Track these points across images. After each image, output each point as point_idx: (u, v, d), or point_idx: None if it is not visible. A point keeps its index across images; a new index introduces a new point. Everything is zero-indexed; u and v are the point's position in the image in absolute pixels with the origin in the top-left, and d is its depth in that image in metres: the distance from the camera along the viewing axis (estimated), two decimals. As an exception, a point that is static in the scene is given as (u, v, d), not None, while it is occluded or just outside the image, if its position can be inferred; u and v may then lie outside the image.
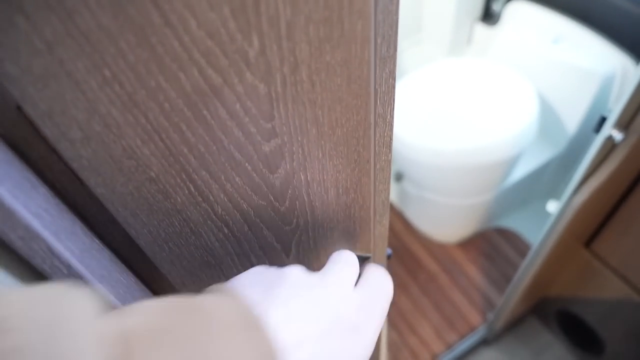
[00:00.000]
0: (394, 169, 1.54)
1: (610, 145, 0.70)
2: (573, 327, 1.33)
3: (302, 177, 0.32)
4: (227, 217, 0.32)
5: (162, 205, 0.28)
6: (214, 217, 0.31)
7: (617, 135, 0.66)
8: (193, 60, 0.21)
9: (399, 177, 1.52)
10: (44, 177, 0.24)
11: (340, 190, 0.36)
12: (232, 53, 0.21)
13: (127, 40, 0.19)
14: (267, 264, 0.39)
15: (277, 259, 0.40)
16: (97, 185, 0.24)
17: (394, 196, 1.72)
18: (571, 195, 0.81)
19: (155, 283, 0.36)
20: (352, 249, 0.45)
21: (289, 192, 0.33)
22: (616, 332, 1.15)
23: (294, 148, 0.29)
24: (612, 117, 0.66)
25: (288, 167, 0.30)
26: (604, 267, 1.05)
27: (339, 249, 0.38)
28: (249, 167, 0.29)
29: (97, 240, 0.29)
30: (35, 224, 0.20)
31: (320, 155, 0.31)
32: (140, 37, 0.19)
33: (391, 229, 1.72)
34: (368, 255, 0.48)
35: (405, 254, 1.67)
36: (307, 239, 0.39)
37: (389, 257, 0.58)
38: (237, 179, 0.29)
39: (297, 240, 0.39)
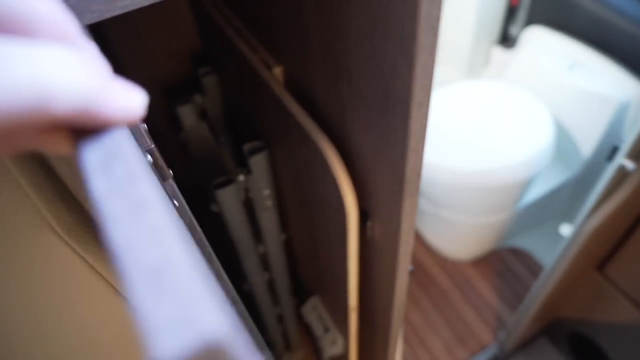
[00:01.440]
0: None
1: (622, 174, 0.73)
2: (584, 349, 1.35)
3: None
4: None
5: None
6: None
7: (629, 165, 0.70)
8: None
9: (415, 194, 1.55)
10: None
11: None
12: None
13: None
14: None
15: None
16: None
17: (408, 212, 1.76)
18: (584, 220, 0.84)
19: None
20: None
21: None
22: (626, 355, 1.17)
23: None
24: (625, 148, 0.69)
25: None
26: (615, 291, 1.07)
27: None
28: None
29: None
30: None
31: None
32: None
33: (405, 244, 1.76)
34: None
35: (418, 270, 1.70)
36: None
37: (411, 272, 0.61)
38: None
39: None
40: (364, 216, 0.54)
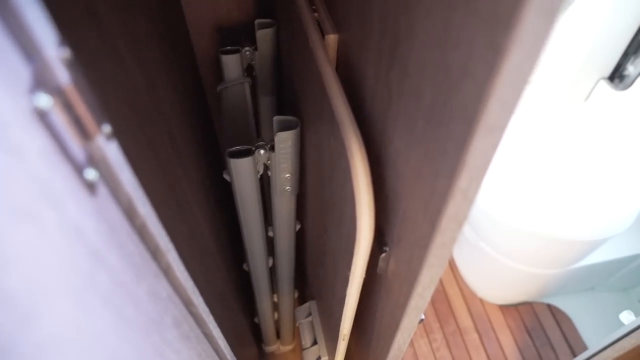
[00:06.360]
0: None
1: None
2: None
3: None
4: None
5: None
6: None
7: None
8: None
9: (461, 218, 1.40)
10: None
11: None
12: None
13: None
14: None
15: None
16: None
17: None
18: (655, 317, 0.68)
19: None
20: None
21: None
22: None
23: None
24: None
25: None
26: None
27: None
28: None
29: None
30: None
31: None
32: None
33: (434, 266, 1.62)
34: None
35: (440, 297, 1.56)
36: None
37: (420, 321, 0.50)
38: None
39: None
40: (383, 239, 0.43)
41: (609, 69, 1.41)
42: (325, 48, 0.47)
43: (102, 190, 0.22)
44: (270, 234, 0.79)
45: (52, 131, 0.17)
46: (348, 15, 0.43)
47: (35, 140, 0.16)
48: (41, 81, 0.17)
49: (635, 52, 1.31)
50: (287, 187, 0.65)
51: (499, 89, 0.19)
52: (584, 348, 1.40)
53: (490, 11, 0.19)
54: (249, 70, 0.76)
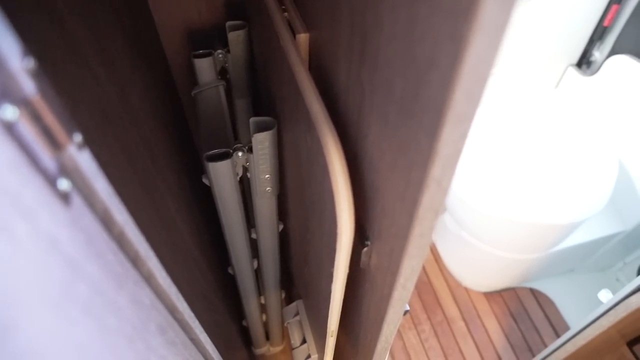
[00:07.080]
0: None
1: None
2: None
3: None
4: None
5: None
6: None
7: None
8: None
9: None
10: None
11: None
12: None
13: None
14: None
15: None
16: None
17: (430, 225, 1.63)
18: (629, 294, 0.70)
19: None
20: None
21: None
22: None
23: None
24: None
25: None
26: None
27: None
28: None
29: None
30: None
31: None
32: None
33: (419, 257, 1.64)
34: None
35: (426, 289, 1.58)
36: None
37: (405, 312, 0.51)
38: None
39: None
40: (364, 234, 0.44)
41: (576, 56, 1.44)
42: (297, 47, 0.47)
43: (77, 200, 0.22)
44: (254, 235, 0.78)
45: (21, 143, 0.17)
46: (317, 13, 0.44)
47: (4, 153, 0.16)
48: (6, 93, 0.17)
49: (600, 38, 1.35)
50: (268, 188, 0.65)
51: (464, 78, 0.20)
52: (567, 328, 1.43)
53: (452, 2, 0.19)
54: (222, 73, 0.76)
